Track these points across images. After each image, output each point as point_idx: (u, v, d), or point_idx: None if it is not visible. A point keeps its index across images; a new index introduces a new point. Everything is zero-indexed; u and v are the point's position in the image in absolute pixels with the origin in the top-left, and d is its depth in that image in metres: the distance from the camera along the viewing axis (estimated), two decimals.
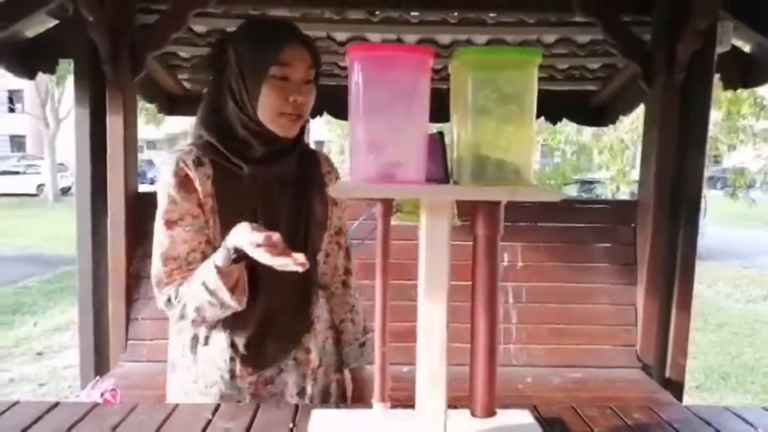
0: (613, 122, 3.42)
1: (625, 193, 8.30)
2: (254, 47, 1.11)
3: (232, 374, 1.21)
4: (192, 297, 1.12)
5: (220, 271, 1.06)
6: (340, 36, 2.83)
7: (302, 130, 1.20)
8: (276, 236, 0.99)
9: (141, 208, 2.38)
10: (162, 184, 1.15)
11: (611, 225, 2.55)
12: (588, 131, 8.66)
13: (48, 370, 4.38)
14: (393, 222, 0.95)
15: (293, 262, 0.98)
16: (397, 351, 1.00)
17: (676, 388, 2.36)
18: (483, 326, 0.93)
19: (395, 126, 0.86)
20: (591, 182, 11.29)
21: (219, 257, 1.06)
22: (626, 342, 2.43)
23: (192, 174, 1.13)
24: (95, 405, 1.16)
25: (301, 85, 1.12)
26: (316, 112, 3.17)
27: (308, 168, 1.24)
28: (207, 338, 1.21)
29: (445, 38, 2.80)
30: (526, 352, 2.43)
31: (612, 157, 8.28)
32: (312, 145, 1.42)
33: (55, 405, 1.15)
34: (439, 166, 0.91)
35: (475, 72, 0.86)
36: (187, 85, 3.26)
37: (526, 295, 2.48)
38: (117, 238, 2.31)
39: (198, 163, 1.14)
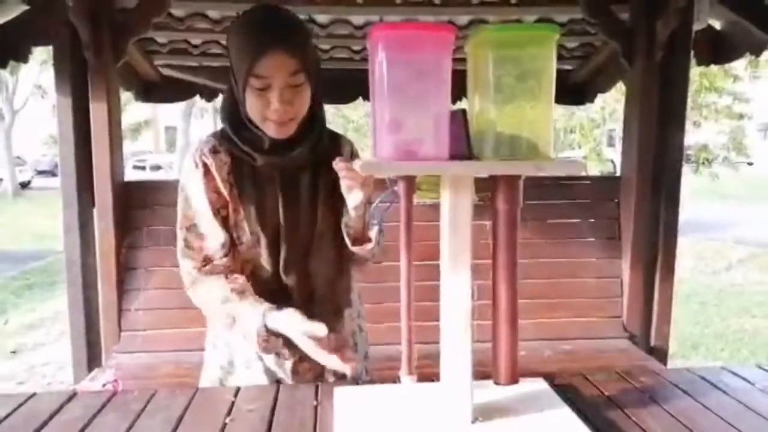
0: (591, 101, 3.48)
1: (595, 172, 8.44)
2: (237, 51, 1.07)
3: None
4: (221, 314, 1.16)
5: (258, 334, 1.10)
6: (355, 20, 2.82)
7: (314, 118, 1.17)
8: (323, 331, 1.02)
9: (128, 197, 2.34)
10: (184, 170, 1.20)
11: (595, 201, 2.60)
12: (558, 111, 8.75)
13: (25, 367, 4.29)
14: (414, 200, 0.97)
15: (343, 363, 1.04)
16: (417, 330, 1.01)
17: (661, 354, 2.45)
18: (505, 296, 0.96)
19: (418, 104, 0.87)
20: None
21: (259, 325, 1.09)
22: (613, 313, 2.52)
23: (209, 161, 1.16)
24: (114, 393, 1.15)
25: (285, 90, 1.06)
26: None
27: (326, 151, 1.21)
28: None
29: (430, 19, 2.79)
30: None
31: (583, 136, 8.39)
32: None
33: (74, 395, 1.14)
34: (462, 143, 0.93)
35: (496, 50, 0.87)
36: (164, 71, 3.19)
37: None
38: (105, 227, 2.26)
39: (214, 151, 1.17)
